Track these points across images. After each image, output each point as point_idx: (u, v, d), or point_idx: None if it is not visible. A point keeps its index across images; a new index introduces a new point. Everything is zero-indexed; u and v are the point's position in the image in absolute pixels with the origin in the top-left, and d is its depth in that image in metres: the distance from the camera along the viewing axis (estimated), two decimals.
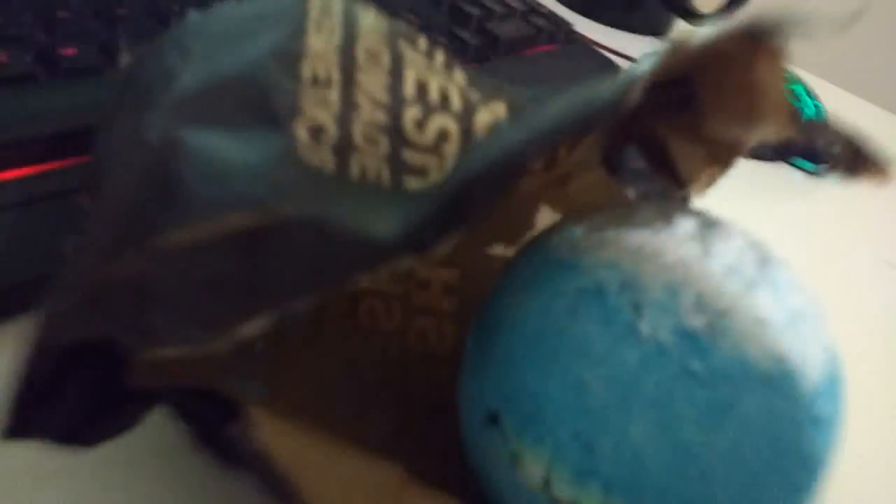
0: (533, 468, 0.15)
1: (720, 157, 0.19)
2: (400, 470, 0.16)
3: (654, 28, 0.63)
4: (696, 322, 0.14)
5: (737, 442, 0.14)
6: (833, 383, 0.15)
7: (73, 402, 0.14)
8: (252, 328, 0.11)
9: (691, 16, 0.60)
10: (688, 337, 0.14)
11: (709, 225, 0.16)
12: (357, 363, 0.22)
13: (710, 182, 0.19)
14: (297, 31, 0.15)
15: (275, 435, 0.14)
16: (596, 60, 0.47)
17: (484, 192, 0.11)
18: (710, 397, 0.14)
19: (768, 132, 0.16)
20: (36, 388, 0.13)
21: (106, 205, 0.13)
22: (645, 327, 0.14)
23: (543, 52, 0.41)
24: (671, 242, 0.15)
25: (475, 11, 0.39)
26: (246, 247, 0.11)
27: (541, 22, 0.42)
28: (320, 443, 0.15)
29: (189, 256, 0.11)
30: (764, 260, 0.16)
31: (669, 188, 0.20)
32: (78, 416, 0.14)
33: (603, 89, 0.13)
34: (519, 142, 0.12)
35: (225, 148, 0.13)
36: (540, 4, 0.45)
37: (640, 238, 0.16)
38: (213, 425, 0.16)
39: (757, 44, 0.12)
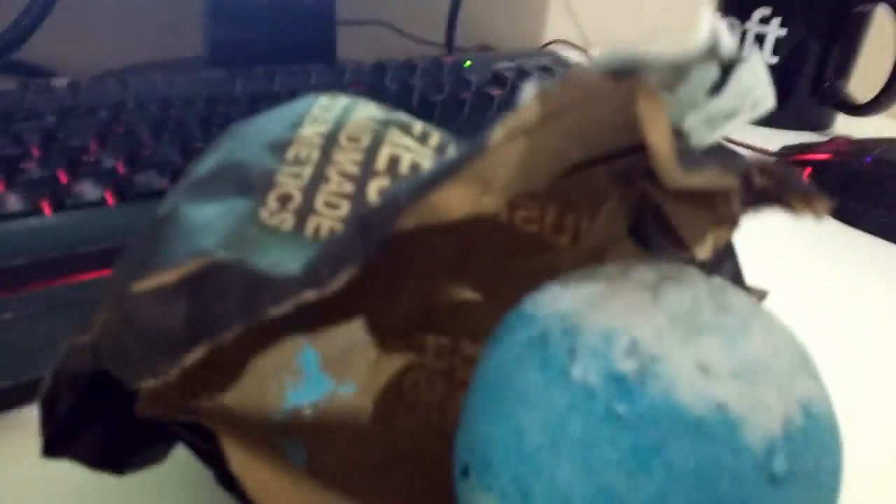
0: None
1: (721, 216, 0.19)
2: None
3: (808, 123, 0.60)
4: (627, 366, 0.14)
5: (664, 490, 0.13)
6: (809, 439, 0.14)
7: (101, 432, 0.17)
8: (192, 357, 0.14)
9: (846, 107, 0.57)
10: (616, 380, 0.14)
11: (671, 276, 0.16)
12: (395, 432, 0.23)
13: (720, 241, 0.19)
14: (296, 124, 0.18)
15: (242, 465, 0.16)
16: (720, 153, 0.47)
17: (371, 232, 0.13)
18: (633, 441, 0.14)
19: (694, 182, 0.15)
20: (61, 414, 0.16)
21: (118, 265, 0.16)
22: (576, 371, 0.15)
23: None
24: (622, 291, 0.16)
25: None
26: (188, 289, 0.14)
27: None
28: (284, 474, 0.16)
29: (147, 300, 0.14)
30: (723, 307, 0.15)
31: (675, 252, 0.20)
32: (107, 444, 0.17)
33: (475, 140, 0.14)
34: (399, 189, 0.14)
35: (205, 214, 0.16)
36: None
37: (595, 289, 0.16)
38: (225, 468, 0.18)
39: (622, 82, 0.13)
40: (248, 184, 0.17)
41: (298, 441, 0.22)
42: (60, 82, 0.39)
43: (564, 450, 0.14)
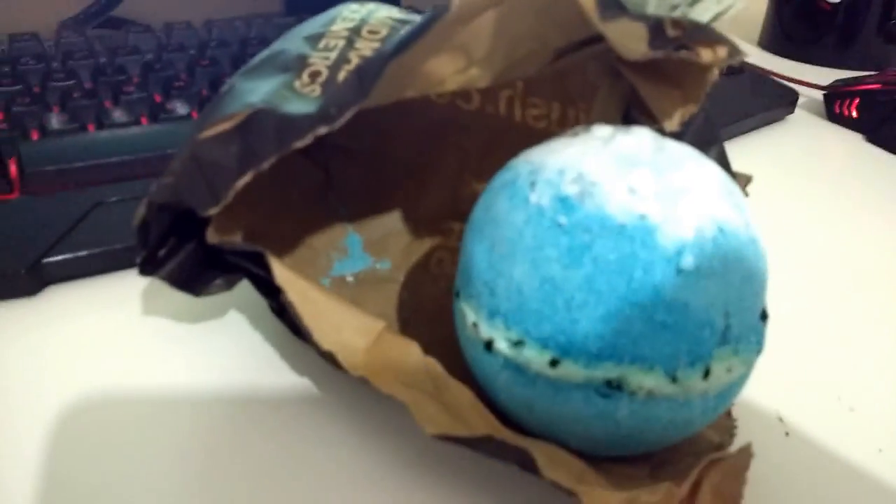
0: (469, 318, 0.20)
1: (688, 95, 0.22)
2: (381, 323, 0.21)
3: (872, 62, 0.60)
4: (571, 190, 0.18)
5: (590, 276, 0.17)
6: (718, 247, 0.18)
7: (183, 260, 0.23)
8: (242, 182, 0.19)
9: None
10: (561, 200, 0.18)
11: (624, 131, 0.20)
12: (420, 296, 0.28)
13: (685, 115, 0.22)
14: (329, 23, 0.23)
15: (285, 277, 0.21)
16: (769, 88, 0.48)
17: (365, 78, 0.18)
18: (570, 243, 0.18)
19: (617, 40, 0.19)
20: (153, 240, 0.21)
21: (192, 126, 0.21)
22: (534, 196, 0.19)
23: None
24: (580, 140, 0.20)
25: None
26: (238, 133, 0.19)
27: None
28: (314, 288, 0.21)
29: (209, 143, 0.19)
30: (661, 149, 0.19)
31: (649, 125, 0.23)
32: (187, 270, 0.23)
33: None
34: (386, 46, 0.18)
35: (254, 84, 0.21)
36: None
37: (559, 142, 0.20)
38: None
39: None
40: (287, 65, 0.21)
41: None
42: (157, 26, 0.45)
43: (519, 254, 0.19)
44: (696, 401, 0.19)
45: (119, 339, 0.26)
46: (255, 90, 0.20)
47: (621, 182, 0.18)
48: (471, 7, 0.18)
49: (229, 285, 0.24)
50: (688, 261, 0.17)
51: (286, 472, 0.21)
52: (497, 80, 0.22)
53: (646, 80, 0.22)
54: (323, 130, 0.18)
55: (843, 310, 0.29)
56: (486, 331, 0.19)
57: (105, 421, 0.22)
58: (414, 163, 0.30)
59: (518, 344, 0.19)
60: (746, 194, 0.26)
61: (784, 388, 0.25)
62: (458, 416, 0.20)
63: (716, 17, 0.25)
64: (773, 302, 0.29)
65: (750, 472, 0.19)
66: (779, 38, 0.63)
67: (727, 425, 0.23)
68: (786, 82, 0.51)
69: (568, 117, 0.27)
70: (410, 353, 0.21)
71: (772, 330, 0.28)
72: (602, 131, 0.20)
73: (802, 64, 0.61)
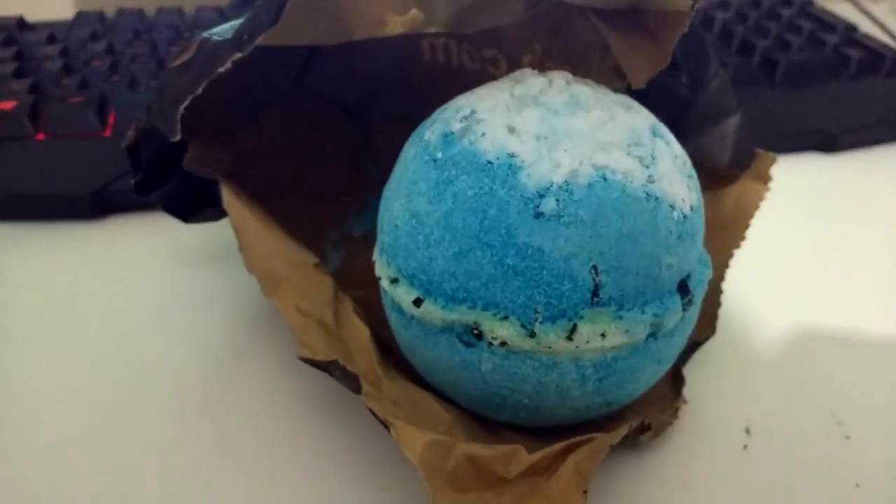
0: (374, 256, 0.21)
1: (659, 51, 0.21)
2: (313, 260, 0.23)
3: None
4: (456, 126, 0.18)
5: (448, 212, 0.17)
6: (592, 195, 0.17)
7: (175, 186, 0.26)
8: (182, 107, 0.21)
9: None
10: (445, 136, 0.18)
11: (560, 77, 0.19)
12: None
13: (653, 72, 0.21)
14: None
15: (230, 206, 0.23)
16: None
17: (272, 5, 0.19)
18: (438, 177, 0.18)
19: None
20: (144, 163, 0.25)
21: None
22: (427, 133, 0.19)
23: (859, 81, 0.39)
24: (500, 82, 0.20)
25: (762, 42, 0.41)
26: (191, 62, 0.21)
27: (855, 52, 0.41)
28: (258, 218, 0.23)
29: (171, 73, 0.22)
30: (572, 95, 0.18)
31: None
32: (178, 197, 0.26)
33: None
34: None
35: (220, 26, 0.23)
36: (868, 37, 0.43)
37: (488, 85, 0.20)
38: None
39: None
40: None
41: (342, 250, 0.29)
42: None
43: (400, 189, 0.19)
44: (565, 365, 0.18)
45: (161, 264, 0.29)
46: (217, 28, 0.23)
47: (504, 121, 0.18)
48: None
49: (216, 216, 0.27)
50: (549, 204, 0.17)
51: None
52: (455, 26, 0.22)
53: (617, 31, 0.21)
54: (237, 56, 0.20)
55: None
56: (377, 268, 0.20)
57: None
58: None
59: (394, 282, 0.19)
60: (769, 178, 0.24)
61: (766, 400, 0.22)
62: (347, 351, 0.20)
63: None
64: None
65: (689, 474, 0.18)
66: None
67: (673, 404, 0.21)
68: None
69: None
70: (323, 287, 0.22)
71: (769, 339, 0.24)
72: (521, 74, 0.20)
73: None
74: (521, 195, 0.17)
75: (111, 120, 0.35)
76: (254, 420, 0.22)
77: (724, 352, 0.24)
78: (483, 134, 0.18)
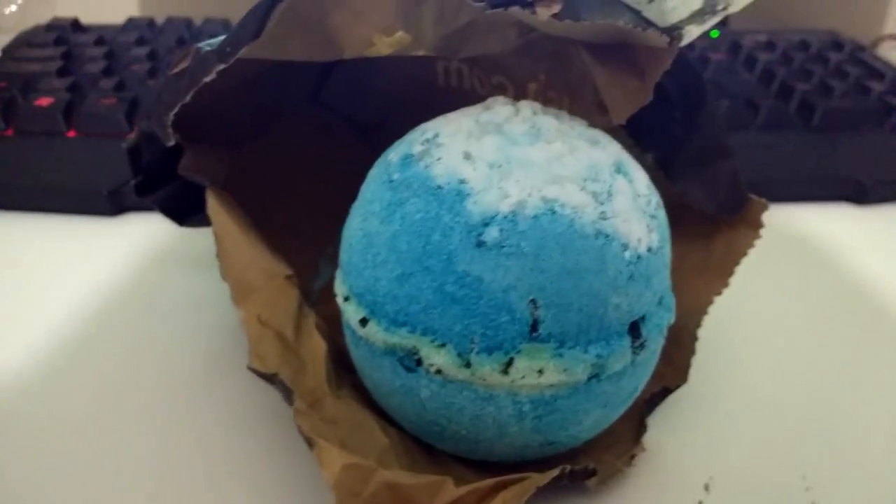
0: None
1: (643, 87, 0.21)
2: (287, 272, 0.23)
3: None
4: (416, 149, 0.18)
5: (395, 234, 0.17)
6: (538, 228, 0.16)
7: (173, 191, 0.27)
8: (171, 115, 0.22)
9: None
10: (404, 158, 0.18)
11: (528, 107, 0.19)
12: None
13: (634, 107, 0.21)
14: None
15: (213, 212, 0.24)
16: None
17: (256, 19, 0.20)
18: (391, 198, 0.18)
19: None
20: (144, 165, 0.26)
21: None
22: (390, 154, 0.19)
23: None
24: (464, 110, 0.20)
25: (803, 86, 0.40)
26: (188, 70, 0.22)
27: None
28: (240, 226, 0.24)
29: (170, 79, 0.23)
30: (535, 126, 0.18)
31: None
32: (175, 201, 0.27)
33: None
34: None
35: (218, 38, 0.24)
36: None
37: (462, 109, 0.20)
38: None
39: None
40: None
41: (335, 266, 0.29)
42: None
43: (358, 208, 0.19)
44: (502, 399, 0.17)
45: (171, 262, 0.30)
46: (215, 41, 0.23)
47: (462, 146, 0.18)
48: None
49: (209, 222, 0.27)
50: (491, 233, 0.17)
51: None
52: (444, 50, 0.22)
53: (603, 64, 0.21)
54: (220, 67, 0.21)
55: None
56: (335, 285, 0.20)
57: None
58: None
59: (346, 300, 0.19)
60: (760, 225, 0.23)
61: (732, 455, 0.21)
62: (300, 365, 0.21)
63: (698, 16, 0.22)
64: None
65: None
66: None
67: (628, 452, 0.20)
68: None
69: (574, 112, 0.26)
70: (289, 300, 0.22)
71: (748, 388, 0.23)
72: (493, 101, 0.20)
73: None
74: (466, 222, 0.17)
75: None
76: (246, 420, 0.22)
77: (695, 402, 0.23)
78: (439, 158, 0.18)
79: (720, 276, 0.23)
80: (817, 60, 0.44)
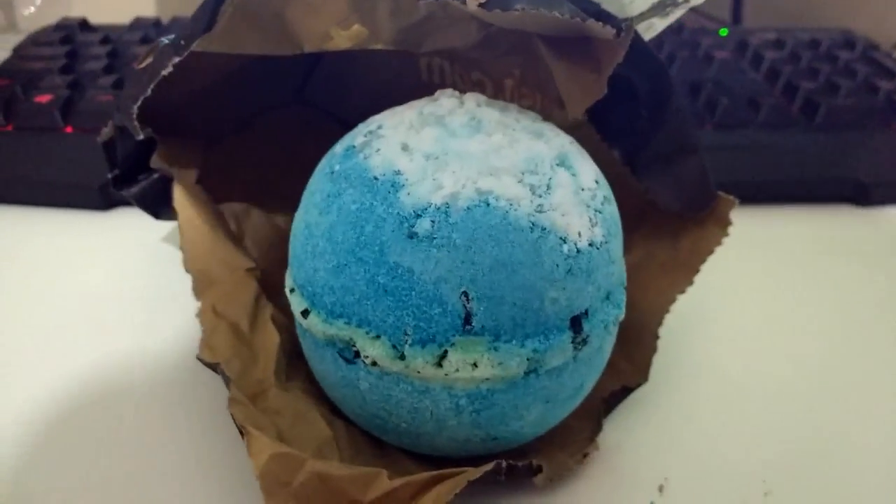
0: None
1: (598, 81, 0.20)
2: (248, 265, 0.23)
3: None
4: (358, 141, 0.18)
5: (332, 224, 0.17)
6: (470, 220, 0.16)
7: (149, 185, 0.27)
8: (134, 108, 0.22)
9: None
10: (347, 149, 0.18)
11: (473, 98, 0.19)
12: None
13: (590, 100, 0.20)
14: None
15: (179, 204, 0.24)
16: None
17: (207, 12, 0.20)
18: (329, 189, 0.18)
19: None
20: (120, 159, 0.26)
21: None
22: (336, 147, 0.19)
23: None
24: (412, 103, 0.20)
25: (808, 84, 0.39)
26: (152, 63, 0.22)
27: None
28: (204, 219, 0.24)
29: (137, 73, 0.23)
30: (475, 118, 0.18)
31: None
32: (151, 195, 0.27)
33: None
34: None
35: None
36: None
37: (402, 106, 0.20)
38: None
39: None
40: None
41: None
42: None
43: (305, 199, 0.19)
44: (437, 392, 0.17)
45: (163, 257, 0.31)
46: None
47: (400, 138, 0.18)
48: None
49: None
50: (423, 225, 0.16)
51: None
52: (403, 43, 0.22)
53: (562, 58, 0.21)
54: (176, 59, 0.21)
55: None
56: (286, 278, 0.20)
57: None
58: None
59: (292, 291, 0.19)
60: (728, 222, 0.22)
61: (689, 457, 0.21)
62: (252, 355, 0.21)
63: (659, 9, 0.22)
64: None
65: None
66: None
67: (582, 449, 0.20)
68: None
69: (546, 107, 0.26)
70: (247, 291, 0.22)
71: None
72: (440, 93, 0.20)
73: None
74: (399, 213, 0.17)
75: None
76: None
77: (655, 401, 0.23)
78: (378, 150, 0.18)
79: (685, 273, 0.23)
80: (826, 59, 0.43)
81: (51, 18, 0.52)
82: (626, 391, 0.22)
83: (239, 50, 0.22)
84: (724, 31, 0.49)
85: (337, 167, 0.18)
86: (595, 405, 0.21)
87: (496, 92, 0.29)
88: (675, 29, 0.48)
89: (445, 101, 0.19)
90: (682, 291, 0.23)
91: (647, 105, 0.23)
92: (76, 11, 0.54)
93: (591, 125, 0.24)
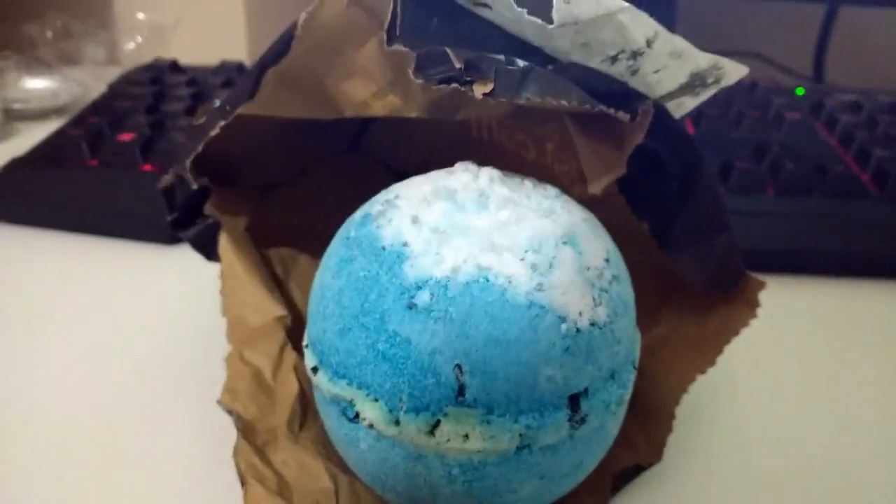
0: None
1: (617, 158, 0.21)
2: (279, 313, 0.24)
3: None
4: (375, 209, 0.19)
5: (341, 289, 0.18)
6: (468, 294, 0.17)
7: (204, 228, 0.29)
8: (193, 156, 0.24)
9: None
10: (364, 217, 0.19)
11: (475, 169, 0.20)
12: None
13: (611, 179, 0.21)
14: None
15: (223, 251, 0.25)
16: None
17: (249, 86, 0.21)
18: (343, 254, 0.19)
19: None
20: (178, 204, 0.28)
21: None
22: (356, 215, 0.20)
23: None
24: (431, 174, 0.20)
25: (881, 152, 0.38)
26: (208, 118, 0.24)
27: None
28: (246, 266, 0.25)
29: (195, 128, 0.25)
30: (483, 194, 0.19)
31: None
32: (207, 238, 0.29)
33: None
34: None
35: None
36: None
37: (422, 176, 0.21)
38: None
39: None
40: None
41: None
42: None
43: (323, 260, 0.20)
44: (431, 459, 0.18)
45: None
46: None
47: (412, 210, 0.19)
48: (357, 29, 0.20)
49: None
50: (423, 297, 0.17)
51: None
52: (434, 112, 0.23)
53: (586, 134, 0.21)
54: (222, 123, 0.22)
55: None
56: (305, 334, 0.21)
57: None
58: None
59: (307, 346, 0.20)
60: (756, 304, 0.22)
61: None
62: (271, 404, 0.22)
63: (688, 89, 0.22)
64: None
65: None
66: None
67: None
68: None
69: (582, 174, 0.26)
70: (274, 340, 0.23)
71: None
72: (460, 165, 0.20)
73: None
74: (401, 284, 0.17)
75: None
76: None
77: (668, 482, 0.22)
78: (391, 220, 0.19)
79: (709, 353, 0.22)
80: None
81: (150, 54, 0.56)
82: (638, 469, 0.22)
83: (284, 114, 0.23)
84: (800, 91, 0.48)
85: (352, 233, 0.19)
86: (605, 480, 0.21)
87: (538, 154, 0.29)
88: (748, 87, 0.47)
89: (460, 174, 0.20)
90: (703, 372, 0.22)
91: (676, 180, 0.23)
92: (174, 47, 0.57)
93: (621, 195, 0.24)
